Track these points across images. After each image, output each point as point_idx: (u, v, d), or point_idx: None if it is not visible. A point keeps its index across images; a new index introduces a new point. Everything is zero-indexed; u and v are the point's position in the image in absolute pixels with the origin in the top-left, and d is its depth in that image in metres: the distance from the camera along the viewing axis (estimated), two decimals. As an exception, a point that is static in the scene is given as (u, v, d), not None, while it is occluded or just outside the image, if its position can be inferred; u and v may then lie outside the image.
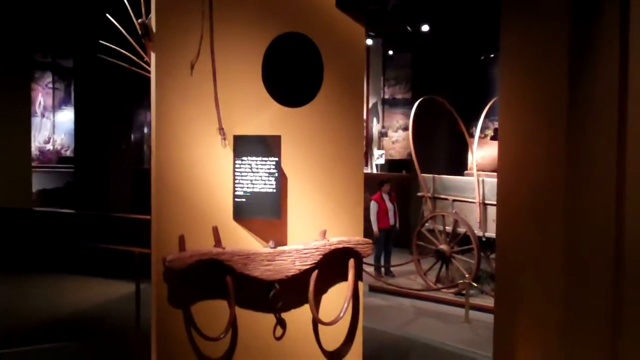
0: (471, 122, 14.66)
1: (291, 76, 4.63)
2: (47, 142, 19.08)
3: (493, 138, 15.22)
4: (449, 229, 10.92)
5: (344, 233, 4.74)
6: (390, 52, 21.83)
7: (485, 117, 11.57)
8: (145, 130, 16.47)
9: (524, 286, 4.80)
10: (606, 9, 4.13)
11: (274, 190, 4.44)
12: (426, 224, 11.34)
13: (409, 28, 15.88)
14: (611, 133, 3.99)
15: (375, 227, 11.61)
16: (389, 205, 11.77)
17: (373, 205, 11.61)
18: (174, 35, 4.46)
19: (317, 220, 4.67)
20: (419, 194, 11.90)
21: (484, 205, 10.52)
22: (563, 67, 4.40)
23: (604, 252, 4.06)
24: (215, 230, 4.41)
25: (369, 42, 18.23)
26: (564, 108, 4.38)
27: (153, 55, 4.56)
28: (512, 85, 5.09)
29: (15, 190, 13.60)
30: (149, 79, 4.78)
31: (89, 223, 11.46)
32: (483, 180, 10.54)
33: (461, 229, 10.67)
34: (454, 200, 11.12)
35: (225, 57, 4.51)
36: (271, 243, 4.52)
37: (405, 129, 20.46)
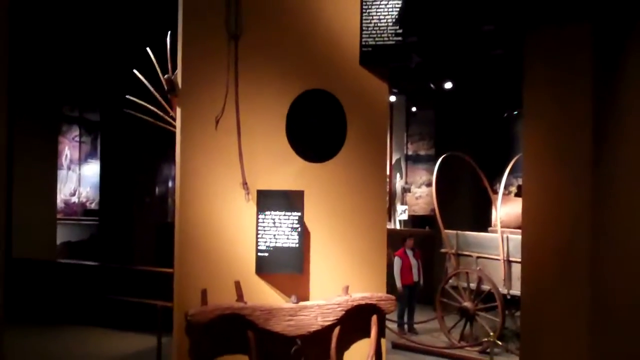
0: (495, 178, 14.61)
1: (315, 132, 4.67)
2: (73, 194, 19.24)
3: (517, 195, 15.13)
4: (473, 286, 10.80)
5: (367, 289, 4.71)
6: (414, 109, 21.93)
7: (509, 173, 11.52)
8: (170, 184, 16.57)
9: (549, 345, 4.72)
10: (628, 65, 4.14)
11: (297, 245, 4.44)
12: (450, 281, 11.23)
13: (432, 85, 15.98)
14: (637, 190, 3.96)
15: (398, 283, 11.50)
16: (413, 261, 11.68)
17: (397, 261, 11.53)
18: (199, 91, 4.53)
19: (340, 276, 4.65)
20: (443, 250, 11.81)
21: (508, 262, 10.41)
22: (587, 124, 4.40)
23: (630, 310, 3.99)
24: (238, 285, 4.41)
25: (393, 98, 18.35)
26: (588, 165, 4.36)
27: (178, 110, 4.62)
28: (535, 142, 5.09)
29: (40, 241, 13.66)
30: (174, 133, 4.84)
31: (112, 276, 11.47)
32: (507, 237, 10.44)
33: (485, 286, 10.55)
34: (478, 257, 11.02)
35: (250, 112, 4.57)
36: (293, 298, 4.50)
37: (429, 184, 20.43)
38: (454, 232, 11.63)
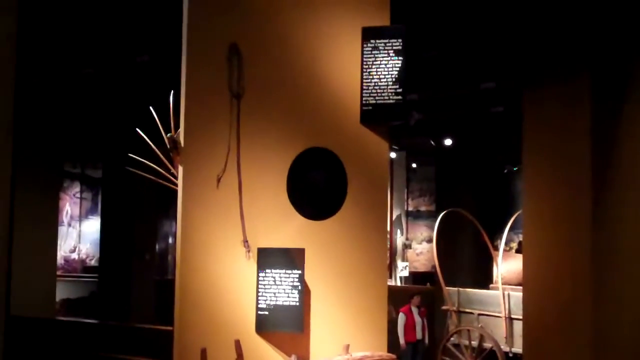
0: (495, 234, 14.61)
1: (316, 189, 4.69)
2: (73, 251, 19.20)
3: (518, 251, 15.10)
4: (474, 343, 10.71)
5: (368, 347, 4.66)
6: (414, 165, 22.04)
7: (510, 229, 11.53)
8: (170, 240, 16.56)
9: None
10: (627, 119, 4.19)
11: (297, 304, 4.42)
12: (452, 339, 11.13)
13: (432, 142, 16.09)
14: (637, 247, 3.97)
15: (402, 340, 11.41)
16: (417, 318, 11.59)
17: (401, 317, 11.45)
18: (201, 150, 4.57)
19: (340, 334, 4.62)
20: (444, 307, 11.75)
21: (510, 319, 10.34)
22: (586, 181, 4.42)
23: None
24: (237, 344, 4.37)
25: (393, 155, 18.45)
26: (588, 222, 4.38)
27: (180, 168, 4.65)
28: (535, 199, 5.11)
29: (38, 299, 13.58)
30: (174, 190, 4.86)
31: (111, 333, 11.37)
32: (509, 294, 10.40)
33: (487, 344, 10.46)
34: (480, 315, 10.96)
35: (251, 170, 4.59)
36: (293, 357, 4.46)
37: (430, 241, 20.39)
38: (455, 289, 11.59)
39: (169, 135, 4.73)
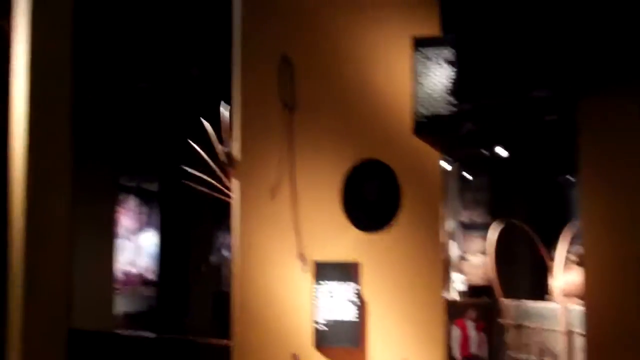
0: (552, 245, 14.35)
1: (369, 202, 4.66)
2: (130, 264, 19.44)
3: (576, 263, 14.81)
4: (533, 358, 10.52)
5: (425, 362, 4.61)
6: (468, 176, 21.81)
7: (567, 241, 11.31)
8: (225, 253, 16.67)
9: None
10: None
11: (354, 318, 4.39)
12: (510, 353, 10.95)
13: (486, 152, 15.91)
14: None
15: (456, 354, 11.27)
16: (472, 333, 11.45)
17: (455, 331, 11.32)
18: (255, 163, 4.59)
19: (398, 349, 4.57)
20: (501, 320, 11.57)
21: (569, 334, 10.13)
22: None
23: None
24: (295, 358, 4.36)
25: (447, 166, 18.30)
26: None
27: (235, 181, 4.67)
28: (593, 210, 5.00)
29: (98, 312, 13.78)
30: (229, 203, 4.89)
31: (168, 347, 11.47)
32: (568, 308, 10.19)
33: (547, 359, 10.26)
34: (538, 329, 10.76)
35: (305, 183, 4.59)
36: (350, 371, 4.43)
37: (485, 252, 20.15)
38: (513, 301, 11.40)
39: (222, 148, 4.76)
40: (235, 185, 4.70)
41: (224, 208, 5.30)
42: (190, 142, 5.53)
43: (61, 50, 6.05)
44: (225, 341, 7.28)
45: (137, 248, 20.07)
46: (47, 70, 5.94)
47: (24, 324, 5.56)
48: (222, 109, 5.04)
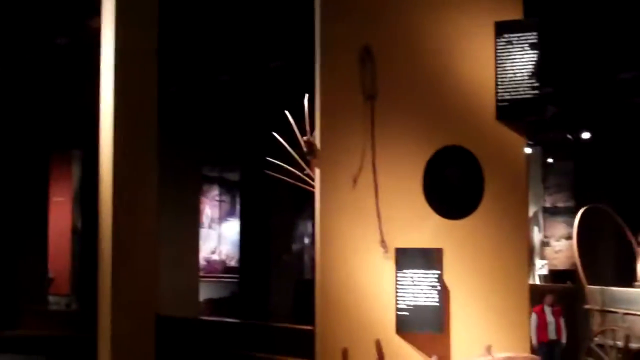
0: (639, 230, 13.98)
1: (452, 189, 4.65)
2: (214, 252, 19.83)
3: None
4: (620, 344, 10.29)
5: (510, 348, 4.57)
6: (551, 160, 21.40)
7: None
8: (306, 241, 16.83)
9: None
10: None
11: (437, 304, 4.40)
12: (596, 339, 10.74)
13: (570, 136, 15.58)
14: None
15: (534, 341, 11.10)
16: (550, 318, 11.26)
17: (533, 317, 11.16)
18: (336, 151, 4.63)
19: (481, 335, 4.55)
20: (586, 306, 11.35)
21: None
22: None
23: None
24: (378, 344, 4.40)
25: (528, 150, 18.00)
26: None
27: (317, 170, 4.73)
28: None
29: (183, 299, 14.11)
30: (311, 192, 4.95)
31: (251, 332, 11.68)
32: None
33: (634, 345, 10.03)
34: (625, 314, 10.51)
35: (386, 170, 4.61)
36: (434, 358, 4.44)
37: (569, 238, 19.74)
38: (599, 287, 11.16)
39: (304, 138, 4.82)
40: (316, 174, 4.77)
41: (305, 197, 5.37)
42: (273, 133, 5.61)
43: (147, 46, 6.25)
44: (307, 327, 7.38)
45: (220, 236, 20.46)
46: (133, 66, 6.15)
47: (114, 311, 5.79)
48: (304, 100, 5.11)
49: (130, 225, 5.89)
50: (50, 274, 15.69)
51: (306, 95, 5.08)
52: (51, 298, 15.52)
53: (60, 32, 11.49)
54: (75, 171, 16.38)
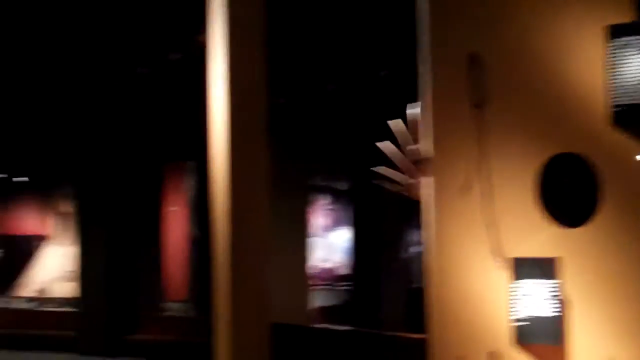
0: None
1: (567, 196, 4.53)
2: (323, 260, 19.97)
3: None
4: None
5: (632, 361, 4.42)
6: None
7: None
8: (415, 249, 16.73)
9: None
10: None
11: (555, 315, 4.29)
12: None
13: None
14: None
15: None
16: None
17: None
18: (447, 160, 4.61)
19: (602, 347, 4.40)
20: None
21: None
22: None
23: None
24: (493, 356, 4.34)
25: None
26: None
27: (425, 179, 4.72)
28: None
29: (293, 307, 14.25)
30: (418, 201, 4.94)
31: (364, 341, 11.67)
32: None
33: None
34: None
35: (498, 179, 4.55)
36: (551, 370, 4.34)
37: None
38: None
39: (409, 147, 4.82)
40: (425, 183, 4.75)
41: (413, 206, 5.35)
42: (378, 144, 5.60)
43: (256, 58, 6.36)
44: (420, 336, 7.33)
45: (329, 245, 20.60)
46: (243, 78, 6.27)
47: (232, 319, 5.91)
48: (408, 109, 5.11)
49: (244, 234, 6.01)
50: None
51: (411, 105, 5.08)
52: (168, 305, 15.99)
53: (172, 48, 11.90)
54: (189, 181, 16.84)
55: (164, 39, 11.61)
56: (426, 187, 4.76)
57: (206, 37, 6.60)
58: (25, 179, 19.95)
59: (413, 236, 16.88)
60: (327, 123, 14.15)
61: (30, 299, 17.37)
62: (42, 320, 15.67)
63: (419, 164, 4.86)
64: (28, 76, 13.02)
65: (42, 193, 20.05)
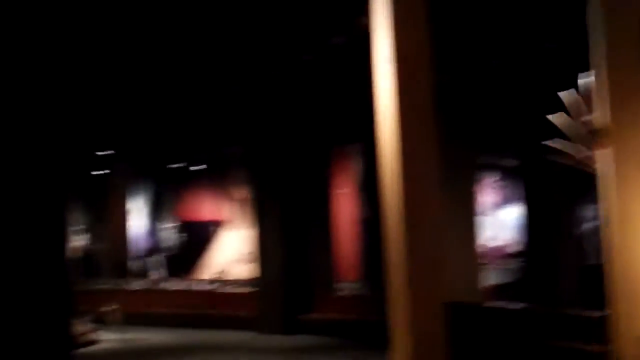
0: None
1: None
2: (492, 238, 19.67)
3: None
4: None
5: None
6: None
7: None
8: (588, 224, 16.13)
9: None
10: None
11: None
12: None
13: None
14: None
15: None
16: None
17: None
18: (626, 130, 4.47)
19: None
20: None
21: None
22: None
23: None
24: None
25: None
26: None
27: (601, 151, 4.60)
28: None
29: (465, 286, 14.14)
30: (592, 174, 4.82)
31: (538, 319, 11.43)
32: None
33: None
34: None
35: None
36: None
37: None
38: None
39: (584, 118, 4.72)
40: (601, 155, 4.63)
41: (587, 179, 5.23)
42: (549, 116, 5.51)
43: (420, 37, 6.38)
44: (599, 313, 7.12)
45: (498, 222, 20.24)
46: (408, 58, 6.31)
47: (408, 296, 6.01)
48: (580, 79, 4.99)
49: (416, 214, 6.07)
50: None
51: (583, 75, 4.96)
52: (340, 284, 16.33)
53: (335, 32, 12.08)
54: (356, 164, 17.06)
55: (327, 24, 11.80)
56: (603, 160, 4.63)
57: (369, 19, 6.69)
58: (203, 167, 20.97)
59: (587, 211, 16.30)
60: (494, 98, 13.89)
61: (211, 281, 18.28)
62: (222, 300, 16.52)
63: (594, 136, 4.75)
64: (204, 70, 13.69)
65: (219, 180, 21.04)
